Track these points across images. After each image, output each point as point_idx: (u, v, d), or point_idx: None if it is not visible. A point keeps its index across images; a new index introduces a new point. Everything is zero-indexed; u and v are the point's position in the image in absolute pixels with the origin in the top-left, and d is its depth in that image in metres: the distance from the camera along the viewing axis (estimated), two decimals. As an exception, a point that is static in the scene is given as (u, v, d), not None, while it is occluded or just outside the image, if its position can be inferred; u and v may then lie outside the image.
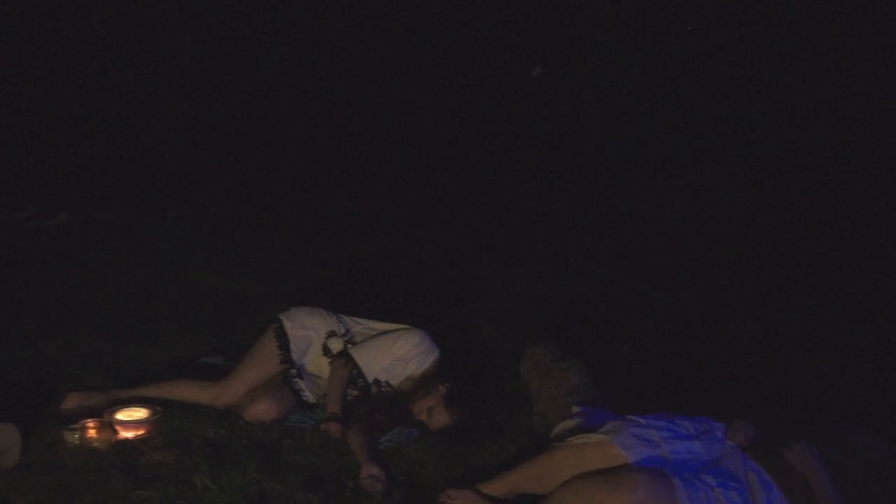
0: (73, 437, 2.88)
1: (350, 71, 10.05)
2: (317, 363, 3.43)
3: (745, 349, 4.27)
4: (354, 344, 3.42)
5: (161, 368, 3.67)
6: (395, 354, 3.34)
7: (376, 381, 3.34)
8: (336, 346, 3.42)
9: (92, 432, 2.92)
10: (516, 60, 10.02)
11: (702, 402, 3.22)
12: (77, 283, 4.90)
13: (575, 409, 2.99)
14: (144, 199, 7.19)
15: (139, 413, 3.05)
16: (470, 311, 4.76)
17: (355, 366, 3.32)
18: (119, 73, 9.31)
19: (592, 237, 6.54)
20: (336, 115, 9.68)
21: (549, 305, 4.93)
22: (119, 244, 5.97)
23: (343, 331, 3.47)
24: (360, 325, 3.54)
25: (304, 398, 3.36)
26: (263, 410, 3.18)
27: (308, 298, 3.79)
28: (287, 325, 3.42)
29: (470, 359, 3.86)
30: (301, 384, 3.37)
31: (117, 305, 4.55)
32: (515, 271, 5.67)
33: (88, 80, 9.00)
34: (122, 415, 3.02)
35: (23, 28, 8.85)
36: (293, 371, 3.37)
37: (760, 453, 2.54)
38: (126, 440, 2.94)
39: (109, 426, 2.97)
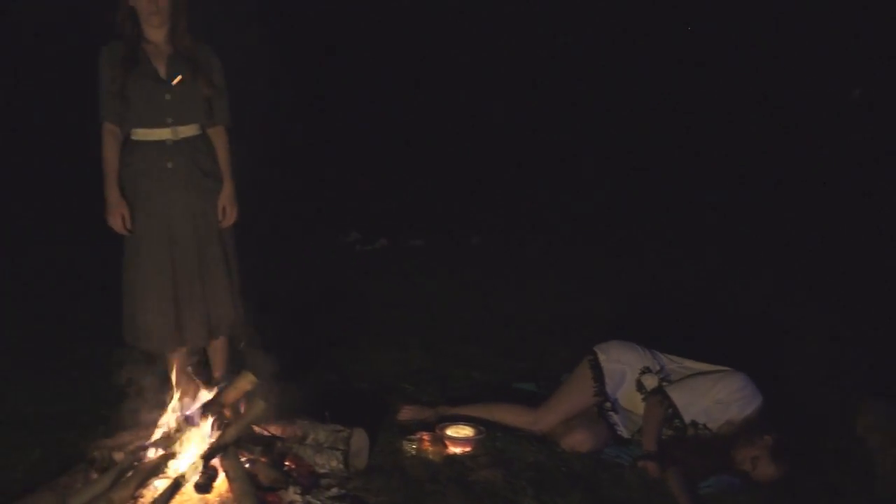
0: (410, 447, 3.17)
1: (656, 101, 9.99)
2: (630, 398, 3.41)
3: None
4: (670, 382, 3.36)
5: (478, 389, 3.90)
6: (715, 397, 3.23)
7: (693, 423, 3.24)
8: (650, 382, 3.38)
9: (427, 444, 3.18)
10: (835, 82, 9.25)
11: None
12: (398, 304, 5.38)
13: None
14: (450, 227, 7.70)
15: (466, 431, 3.26)
16: (784, 355, 4.43)
17: (671, 405, 3.26)
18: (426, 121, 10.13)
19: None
20: (643, 146, 9.62)
21: (878, 351, 4.41)
22: (430, 269, 6.44)
23: (658, 367, 3.43)
24: (675, 364, 3.47)
25: (619, 432, 3.36)
26: (580, 441, 3.24)
27: (612, 331, 3.78)
28: (602, 357, 3.45)
29: (793, 408, 3.58)
30: (615, 418, 3.38)
31: (434, 326, 4.90)
32: (834, 312, 5.16)
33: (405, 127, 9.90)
34: (451, 431, 3.25)
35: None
36: (608, 404, 3.40)
37: None
38: (455, 455, 3.16)
39: (441, 440, 3.21)
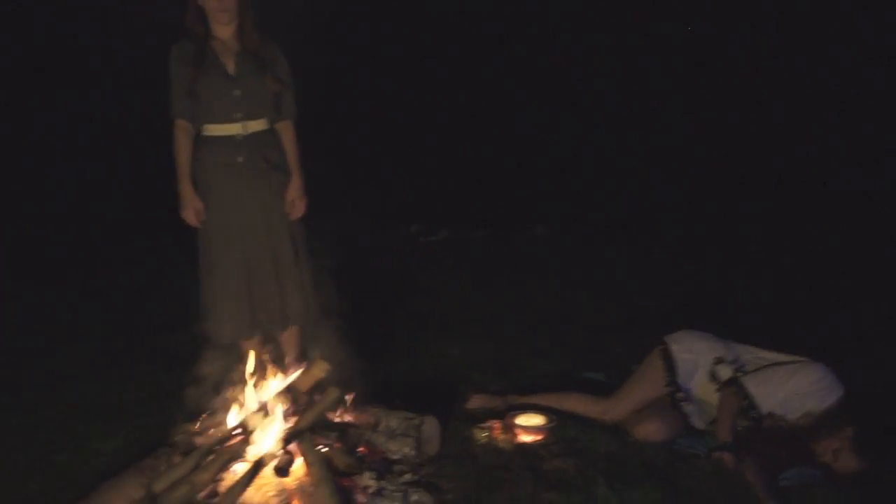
0: (481, 435, 3.18)
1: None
2: (704, 388, 3.35)
3: None
4: (745, 372, 3.29)
5: (546, 379, 3.89)
6: (793, 388, 3.14)
7: (770, 414, 3.16)
8: (724, 372, 3.31)
9: (497, 433, 3.19)
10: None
11: None
12: (462, 294, 5.40)
13: None
14: (513, 217, 7.68)
15: (536, 419, 3.25)
16: (861, 348, 4.29)
17: (746, 395, 3.19)
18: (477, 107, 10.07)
19: None
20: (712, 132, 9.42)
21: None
22: (493, 259, 6.44)
23: (732, 358, 3.35)
24: (750, 354, 3.39)
25: (692, 423, 3.31)
26: (653, 430, 3.20)
27: (683, 321, 3.72)
28: (674, 347, 3.39)
29: (872, 401, 3.46)
30: (688, 408, 3.33)
31: (499, 316, 4.91)
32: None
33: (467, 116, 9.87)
34: (522, 419, 3.25)
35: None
36: (680, 394, 3.34)
37: None
38: (525, 444, 3.15)
39: (511, 429, 3.21)
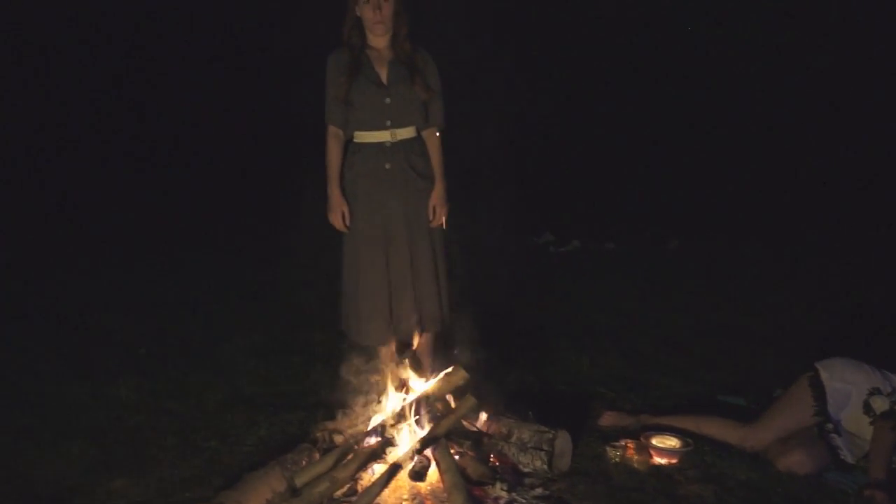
0: (615, 454, 3.13)
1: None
2: (856, 421, 3.15)
3: None
4: (903, 406, 3.07)
5: (679, 399, 3.78)
6: (960, 426, 2.91)
7: (931, 453, 2.94)
8: (880, 404, 3.11)
9: (631, 452, 3.13)
10: None
11: None
12: (594, 307, 5.32)
13: None
14: (646, 231, 7.51)
15: (671, 441, 3.17)
16: None
17: (907, 430, 2.98)
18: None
19: None
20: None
21: None
22: (624, 272, 6.32)
23: (889, 389, 3.14)
24: (910, 386, 3.16)
25: (842, 457, 3.12)
26: (797, 462, 3.04)
27: (829, 346, 3.51)
28: (824, 375, 3.21)
29: None
30: (838, 441, 3.15)
31: (631, 330, 4.81)
32: None
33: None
34: (657, 440, 3.17)
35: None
36: (829, 426, 3.16)
37: None
38: (660, 466, 3.07)
39: (646, 449, 3.14)
